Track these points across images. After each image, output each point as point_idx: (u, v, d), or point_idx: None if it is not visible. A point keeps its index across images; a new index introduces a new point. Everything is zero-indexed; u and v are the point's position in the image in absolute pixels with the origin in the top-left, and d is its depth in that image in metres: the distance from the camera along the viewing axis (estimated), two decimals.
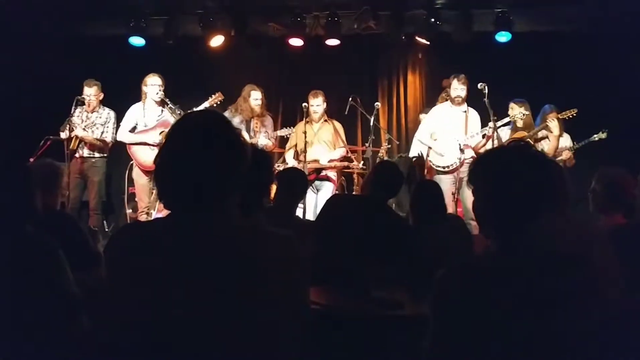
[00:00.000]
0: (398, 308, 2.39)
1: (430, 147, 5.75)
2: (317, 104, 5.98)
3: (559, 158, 5.62)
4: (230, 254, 1.33)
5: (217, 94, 5.83)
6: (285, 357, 1.37)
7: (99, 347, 1.56)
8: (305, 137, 5.70)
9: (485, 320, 1.38)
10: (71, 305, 1.99)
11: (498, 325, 1.38)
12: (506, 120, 5.64)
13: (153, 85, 5.69)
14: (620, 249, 2.21)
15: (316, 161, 5.86)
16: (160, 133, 5.56)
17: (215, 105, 5.78)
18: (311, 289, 1.58)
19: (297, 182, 3.48)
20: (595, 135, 5.73)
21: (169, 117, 5.69)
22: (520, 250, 1.46)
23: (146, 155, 5.59)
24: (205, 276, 1.31)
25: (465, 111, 5.73)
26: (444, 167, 5.61)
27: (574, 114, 5.60)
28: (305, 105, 5.93)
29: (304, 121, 6.11)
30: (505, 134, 5.77)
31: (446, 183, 5.37)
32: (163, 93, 5.70)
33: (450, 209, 4.92)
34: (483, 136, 5.62)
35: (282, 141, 6.55)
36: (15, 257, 1.92)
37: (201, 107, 5.67)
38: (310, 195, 5.64)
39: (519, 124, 5.66)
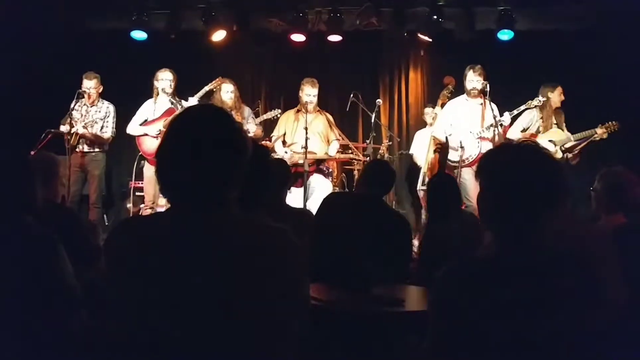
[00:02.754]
0: (397, 305, 2.39)
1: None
2: (314, 93, 5.81)
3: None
4: (229, 248, 1.33)
5: (217, 79, 5.83)
6: (285, 352, 1.37)
7: (97, 341, 1.56)
8: (304, 127, 5.53)
9: (485, 318, 1.38)
10: (70, 298, 1.99)
11: (497, 324, 1.37)
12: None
13: (163, 79, 5.74)
14: (621, 249, 2.21)
15: (313, 153, 5.67)
16: (164, 122, 5.58)
17: (215, 90, 5.79)
18: (311, 285, 1.57)
19: (278, 172, 3.40)
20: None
21: (174, 107, 5.73)
22: (520, 249, 1.46)
23: (150, 145, 5.62)
24: (204, 271, 1.30)
25: (481, 104, 5.53)
26: (456, 162, 5.50)
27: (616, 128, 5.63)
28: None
29: (293, 110, 6.06)
30: (528, 118, 5.70)
31: (467, 173, 5.17)
32: (171, 87, 5.72)
33: (474, 201, 4.78)
34: (501, 125, 5.46)
35: (271, 125, 6.45)
36: (14, 250, 1.92)
37: (202, 91, 5.71)
38: (299, 191, 5.58)
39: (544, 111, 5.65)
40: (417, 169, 6.19)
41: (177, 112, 5.29)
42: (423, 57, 7.37)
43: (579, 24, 6.32)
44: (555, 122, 5.74)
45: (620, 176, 2.87)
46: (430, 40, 6.65)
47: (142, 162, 5.84)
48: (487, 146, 5.35)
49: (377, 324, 2.37)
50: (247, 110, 6.07)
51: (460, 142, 5.37)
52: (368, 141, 6.05)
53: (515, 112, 5.49)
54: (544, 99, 5.57)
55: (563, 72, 6.26)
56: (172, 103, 5.70)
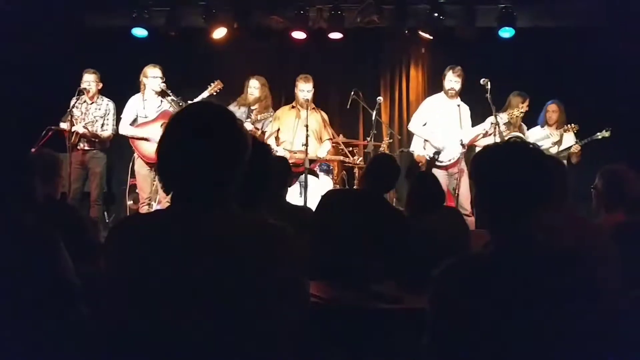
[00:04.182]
0: (396, 302, 2.39)
1: (427, 140, 5.70)
2: (307, 89, 5.82)
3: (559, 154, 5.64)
4: (229, 246, 1.33)
5: (216, 82, 5.82)
6: (284, 349, 1.37)
7: (97, 338, 1.56)
8: (304, 125, 5.52)
9: (483, 317, 1.38)
10: (71, 295, 1.99)
11: (496, 322, 1.38)
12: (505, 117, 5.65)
13: (155, 77, 5.71)
14: (621, 247, 2.21)
15: (303, 152, 5.55)
16: (162, 125, 5.56)
17: (215, 93, 5.78)
18: (311, 283, 1.58)
19: (279, 170, 3.39)
20: (598, 134, 5.72)
21: (169, 108, 5.73)
22: (518, 246, 1.46)
23: (148, 147, 5.61)
24: (204, 269, 1.31)
25: (459, 105, 5.67)
26: (441, 162, 5.60)
27: (576, 130, 5.77)
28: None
29: (288, 107, 6.08)
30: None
31: (440, 177, 5.31)
32: (165, 84, 5.71)
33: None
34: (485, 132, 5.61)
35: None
36: (15, 247, 1.92)
37: (201, 96, 5.68)
38: (296, 188, 5.59)
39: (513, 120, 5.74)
40: (417, 166, 6.18)
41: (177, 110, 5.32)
42: (424, 54, 7.36)
43: (580, 22, 6.31)
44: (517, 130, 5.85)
45: (620, 174, 2.87)
46: (431, 37, 6.64)
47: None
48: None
49: (376, 321, 2.38)
50: (270, 112, 6.02)
51: (461, 140, 5.43)
52: (369, 139, 6.04)
53: (503, 118, 5.55)
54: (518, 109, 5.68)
55: (564, 70, 6.26)
56: (173, 101, 5.69)
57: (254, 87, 5.94)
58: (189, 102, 5.58)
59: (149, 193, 5.69)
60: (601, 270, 1.63)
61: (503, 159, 1.54)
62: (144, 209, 5.65)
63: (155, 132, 5.58)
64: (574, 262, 1.45)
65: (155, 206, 5.64)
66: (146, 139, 5.62)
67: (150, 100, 5.78)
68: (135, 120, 5.76)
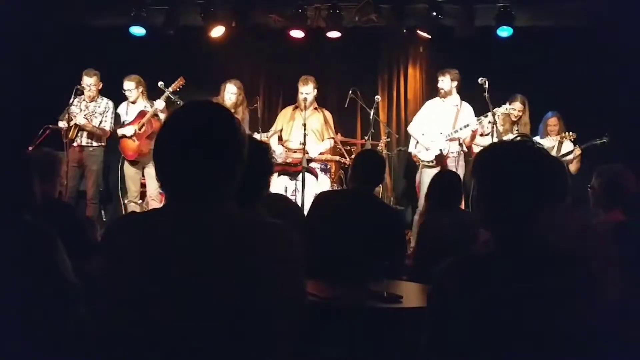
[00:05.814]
0: (395, 301, 2.39)
1: (417, 141, 5.82)
2: (307, 91, 5.84)
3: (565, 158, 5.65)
4: (226, 245, 1.33)
5: (179, 79, 5.85)
6: (282, 349, 1.37)
7: (95, 336, 1.56)
8: (302, 124, 5.54)
9: (483, 316, 1.38)
10: (69, 293, 1.99)
11: (495, 322, 1.38)
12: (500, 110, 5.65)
13: (124, 90, 5.90)
14: (619, 246, 2.21)
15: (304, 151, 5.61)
16: (138, 124, 5.76)
17: (178, 89, 5.82)
18: (309, 282, 1.57)
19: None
20: (597, 140, 5.73)
21: (144, 108, 5.87)
22: (518, 245, 1.46)
23: (126, 144, 5.82)
24: (201, 267, 1.30)
25: (456, 105, 5.73)
26: (429, 162, 5.65)
27: (574, 138, 5.77)
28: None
29: (292, 107, 6.12)
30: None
31: (430, 176, 5.37)
32: (165, 84, 5.75)
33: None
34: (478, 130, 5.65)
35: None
36: (13, 246, 1.91)
37: (165, 95, 5.76)
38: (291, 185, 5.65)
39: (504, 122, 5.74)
40: (415, 166, 6.20)
41: (150, 112, 5.46)
42: (422, 53, 7.35)
43: (578, 21, 6.32)
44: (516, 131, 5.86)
45: (617, 173, 2.88)
46: (430, 36, 6.64)
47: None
48: (455, 147, 5.63)
49: (375, 320, 2.38)
50: (246, 117, 6.05)
51: (459, 139, 5.47)
52: (366, 138, 6.05)
53: (487, 117, 5.56)
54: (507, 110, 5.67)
55: (562, 69, 6.26)
56: (171, 100, 5.72)
57: (231, 93, 5.91)
58: (156, 101, 5.69)
59: (135, 192, 5.84)
60: (600, 270, 1.62)
61: (506, 157, 1.54)
62: (130, 207, 5.80)
63: (132, 129, 5.79)
64: (573, 262, 1.45)
65: (152, 205, 5.67)
66: (124, 135, 5.81)
67: (132, 106, 5.97)
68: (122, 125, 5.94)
